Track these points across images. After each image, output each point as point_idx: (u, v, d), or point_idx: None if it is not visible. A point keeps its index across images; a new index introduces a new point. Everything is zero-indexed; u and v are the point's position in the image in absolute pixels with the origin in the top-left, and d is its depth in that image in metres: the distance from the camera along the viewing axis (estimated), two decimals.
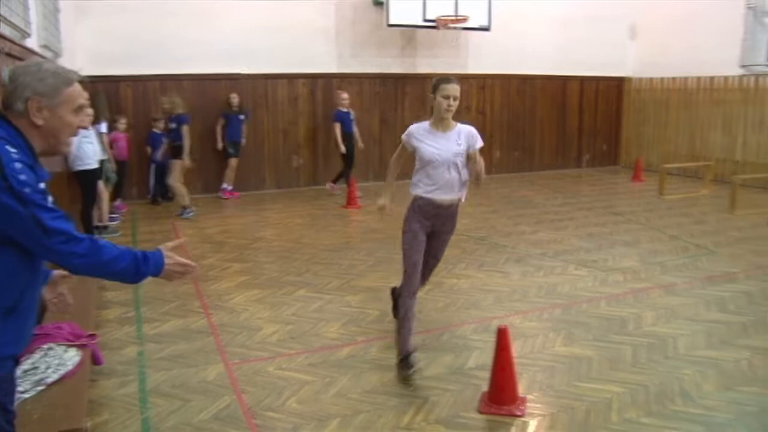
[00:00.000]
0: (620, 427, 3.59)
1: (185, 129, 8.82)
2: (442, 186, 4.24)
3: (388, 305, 5.46)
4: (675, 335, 4.86)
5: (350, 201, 9.74)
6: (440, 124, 4.26)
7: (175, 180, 8.97)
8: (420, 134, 4.28)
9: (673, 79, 13.18)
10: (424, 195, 4.26)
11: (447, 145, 4.21)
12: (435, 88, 4.19)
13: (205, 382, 4.12)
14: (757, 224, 8.58)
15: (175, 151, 8.90)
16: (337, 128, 10.11)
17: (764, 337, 4.88)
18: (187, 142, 8.85)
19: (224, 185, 10.63)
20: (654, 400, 3.88)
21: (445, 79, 4.21)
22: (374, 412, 3.73)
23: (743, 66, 12.03)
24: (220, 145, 10.43)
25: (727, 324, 5.10)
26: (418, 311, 5.33)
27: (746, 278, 6.29)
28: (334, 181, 10.60)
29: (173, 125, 8.91)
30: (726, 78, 12.21)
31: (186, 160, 8.91)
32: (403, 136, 4.37)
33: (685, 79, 12.89)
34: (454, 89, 4.16)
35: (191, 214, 9.00)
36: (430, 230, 4.36)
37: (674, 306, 5.49)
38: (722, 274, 6.42)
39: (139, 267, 2.13)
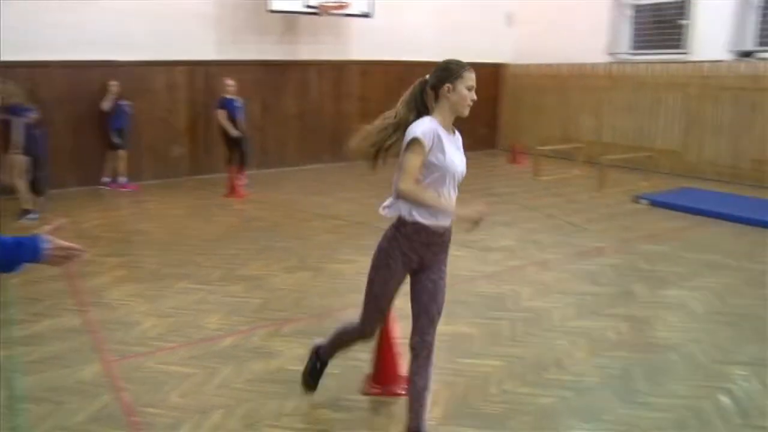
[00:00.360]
0: (498, 398, 3.75)
1: (18, 121, 8.11)
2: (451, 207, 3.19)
3: (272, 293, 5.45)
4: (549, 308, 5.11)
5: (232, 190, 9.57)
6: (449, 124, 3.17)
7: (14, 178, 8.18)
8: (441, 136, 3.05)
9: (548, 65, 13.73)
10: (425, 222, 3.12)
11: (459, 152, 3.22)
12: (452, 77, 3.10)
13: (81, 382, 3.95)
14: (623, 201, 9.15)
15: (7, 146, 8.18)
16: (222, 115, 9.86)
17: (629, 305, 5.23)
18: (16, 136, 8.09)
19: (121, 178, 10.16)
20: (530, 371, 4.08)
21: (463, 64, 3.17)
22: (258, 400, 3.71)
23: (610, 54, 12.75)
24: (106, 105, 9.91)
25: (596, 295, 5.42)
26: (301, 298, 5.39)
27: (614, 252, 6.70)
28: (241, 172, 10.18)
29: (6, 117, 8.17)
30: (595, 65, 12.87)
31: (16, 156, 8.14)
32: (424, 137, 2.98)
33: (559, 65, 13.47)
34: (474, 78, 3.16)
35: (36, 217, 8.08)
36: (417, 266, 3.30)
37: (549, 281, 5.77)
38: (592, 249, 6.79)
39: (11, 254, 2.00)
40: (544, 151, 11.62)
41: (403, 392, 3.78)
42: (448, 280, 5.67)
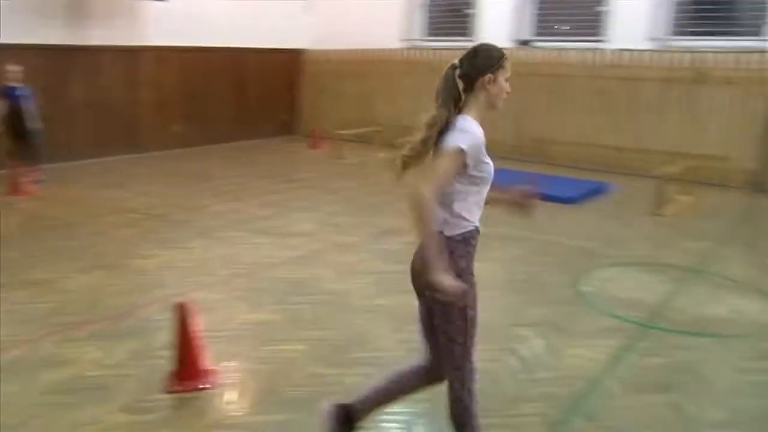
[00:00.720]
0: (304, 381, 3.81)
1: None
2: None
3: (64, 296, 5.12)
4: (352, 289, 5.26)
5: (16, 188, 8.76)
6: (482, 121, 2.75)
7: None
8: (483, 144, 2.67)
9: (347, 51, 13.94)
10: (478, 226, 2.78)
11: None
12: (493, 66, 2.68)
13: None
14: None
15: None
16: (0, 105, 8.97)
17: None
18: None
19: None
20: (335, 352, 4.18)
21: (502, 51, 2.75)
22: (51, 414, 3.46)
23: (406, 40, 13.29)
24: None
25: (396, 273, 5.60)
26: (98, 299, 5.09)
27: (411, 230, 7.00)
28: (31, 168, 9.21)
29: None
30: (392, 51, 13.32)
31: None
32: (469, 146, 2.56)
33: (357, 51, 13.73)
34: None
35: None
36: None
37: (350, 262, 5.93)
38: (392, 228, 7.06)
39: None
40: (344, 135, 11.86)
41: (208, 386, 3.74)
42: (250, 268, 5.70)
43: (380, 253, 6.23)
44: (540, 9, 12.12)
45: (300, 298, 5.08)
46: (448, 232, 2.69)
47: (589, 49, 11.25)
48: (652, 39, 10.74)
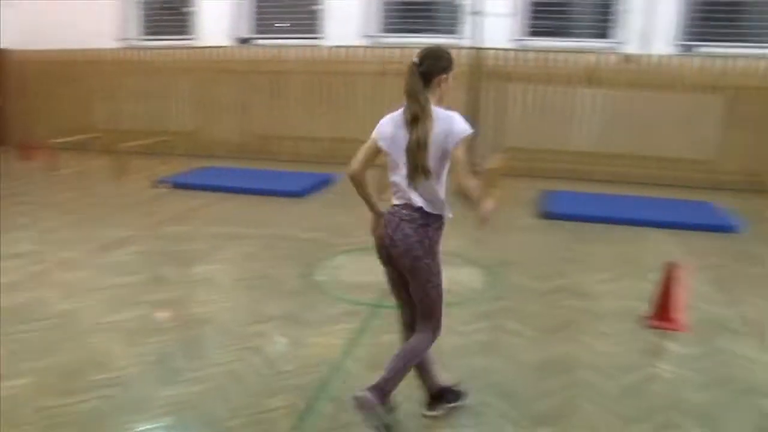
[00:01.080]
0: (34, 417, 3.49)
1: None
2: None
3: None
4: (80, 309, 4.94)
5: None
6: None
7: None
8: None
9: (60, 51, 12.88)
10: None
11: None
12: (449, 67, 3.10)
13: None
14: (145, 187, 9.32)
15: None
16: None
17: (161, 290, 5.40)
18: None
19: None
20: (67, 379, 3.89)
21: (450, 53, 3.15)
22: None
23: (121, 39, 12.69)
24: None
25: (127, 286, 5.43)
26: None
27: (139, 239, 6.80)
28: None
29: None
30: (108, 51, 12.62)
31: None
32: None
33: (71, 51, 12.76)
34: None
35: None
36: None
37: (76, 280, 5.56)
38: (117, 240, 6.75)
39: None
40: (59, 143, 11.01)
41: None
42: None
43: (107, 266, 5.92)
44: (258, 7, 12.30)
45: (23, 326, 4.64)
46: (431, 210, 3.10)
47: (307, 46, 11.67)
48: (366, 36, 11.45)
